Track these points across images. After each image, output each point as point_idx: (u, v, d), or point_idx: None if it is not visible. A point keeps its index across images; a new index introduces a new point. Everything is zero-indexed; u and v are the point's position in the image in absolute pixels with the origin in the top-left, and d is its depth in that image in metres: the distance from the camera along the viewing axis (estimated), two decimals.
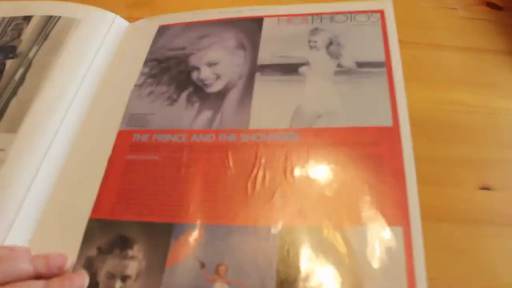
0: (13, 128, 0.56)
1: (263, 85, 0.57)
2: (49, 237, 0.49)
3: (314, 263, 0.44)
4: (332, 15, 0.63)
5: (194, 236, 0.47)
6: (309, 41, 0.61)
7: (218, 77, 0.60)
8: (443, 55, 0.63)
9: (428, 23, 0.67)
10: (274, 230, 0.46)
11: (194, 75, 0.60)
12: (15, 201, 0.50)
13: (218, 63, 0.61)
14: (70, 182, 0.53)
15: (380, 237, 0.44)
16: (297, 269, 0.44)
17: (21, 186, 0.52)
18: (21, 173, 0.52)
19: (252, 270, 0.44)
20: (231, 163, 0.51)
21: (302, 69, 0.58)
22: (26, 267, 0.44)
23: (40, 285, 0.43)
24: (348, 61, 0.58)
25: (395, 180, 0.47)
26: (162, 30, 0.67)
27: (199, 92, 0.59)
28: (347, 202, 0.47)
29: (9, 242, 0.48)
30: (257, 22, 0.64)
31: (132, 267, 0.46)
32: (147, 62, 0.63)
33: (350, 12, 0.63)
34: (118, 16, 0.70)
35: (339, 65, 0.58)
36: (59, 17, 0.67)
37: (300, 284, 0.43)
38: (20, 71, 0.62)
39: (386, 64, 0.56)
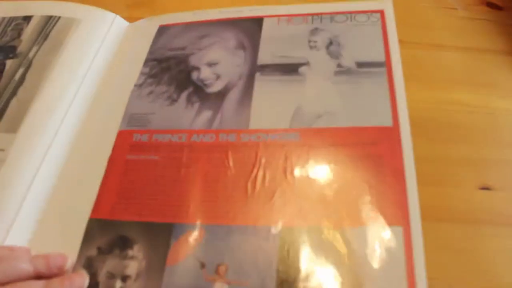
0: (13, 128, 0.56)
1: (263, 85, 0.57)
2: (49, 237, 0.49)
3: (314, 263, 0.44)
4: (332, 15, 0.63)
5: (194, 236, 0.47)
6: (309, 41, 0.61)
7: (218, 77, 0.60)
8: (443, 55, 0.63)
9: (428, 23, 0.67)
10: (274, 230, 0.46)
11: (194, 75, 0.60)
12: (15, 201, 0.50)
13: (218, 63, 0.61)
14: (70, 182, 0.53)
15: (380, 237, 0.44)
16: (297, 269, 0.44)
17: (21, 186, 0.52)
18: (21, 173, 0.52)
19: (252, 270, 0.44)
20: (231, 163, 0.51)
21: (302, 69, 0.58)
22: (26, 267, 0.44)
23: (40, 285, 0.43)
24: (348, 61, 0.58)
25: (395, 180, 0.48)
26: (162, 30, 0.67)
27: (199, 92, 0.59)
28: (347, 202, 0.47)
29: (9, 242, 0.48)
30: (257, 22, 0.64)
31: (132, 267, 0.46)
32: (147, 62, 0.63)
33: (350, 12, 0.63)
34: (118, 16, 0.70)
35: (339, 65, 0.58)
36: (59, 17, 0.67)
37: (300, 284, 0.43)
38: (20, 71, 0.62)
39: (386, 64, 0.56)
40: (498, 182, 0.51)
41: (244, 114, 0.55)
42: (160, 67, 0.62)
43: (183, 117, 0.56)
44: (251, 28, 0.64)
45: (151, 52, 0.64)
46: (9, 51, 0.64)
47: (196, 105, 0.57)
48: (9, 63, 0.63)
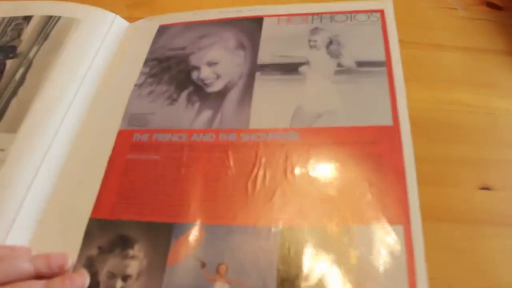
0: (13, 128, 0.56)
1: (263, 84, 0.58)
2: (50, 237, 0.49)
3: (315, 262, 0.44)
4: (332, 15, 0.63)
5: (194, 235, 0.47)
6: (309, 41, 0.61)
7: (218, 76, 0.60)
8: (443, 55, 0.63)
9: (428, 23, 0.67)
10: (274, 230, 0.46)
11: (194, 75, 0.60)
12: (15, 201, 0.50)
13: (218, 62, 0.61)
14: (70, 182, 0.53)
15: (380, 235, 0.44)
16: (297, 269, 0.44)
17: (21, 186, 0.52)
18: (21, 173, 0.52)
19: (252, 269, 0.44)
20: (231, 163, 0.51)
21: (302, 69, 0.58)
22: (26, 266, 0.44)
23: (41, 284, 0.43)
24: (348, 61, 0.58)
25: (396, 179, 0.48)
26: (162, 30, 0.67)
27: (199, 91, 0.59)
28: (347, 201, 0.47)
29: (9, 242, 0.48)
30: (257, 21, 0.65)
31: (133, 267, 0.46)
32: (147, 61, 0.63)
33: (350, 12, 0.63)
34: (118, 16, 0.70)
35: (339, 65, 0.58)
36: (59, 17, 0.67)
37: (301, 283, 0.43)
38: (20, 71, 0.62)
39: (386, 64, 0.56)
40: (498, 182, 0.51)
41: (244, 114, 0.55)
42: (160, 67, 0.62)
43: (183, 116, 0.56)
44: (251, 28, 0.64)
45: (151, 52, 0.64)
46: (9, 51, 0.64)
47: (196, 104, 0.57)
48: (9, 63, 0.63)
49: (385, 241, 0.44)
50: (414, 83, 0.56)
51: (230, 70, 0.60)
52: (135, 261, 0.46)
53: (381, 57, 0.57)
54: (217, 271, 0.44)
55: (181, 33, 0.66)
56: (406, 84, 0.54)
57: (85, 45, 0.65)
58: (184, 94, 0.58)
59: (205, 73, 0.60)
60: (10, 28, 0.67)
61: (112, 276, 0.46)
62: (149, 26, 0.68)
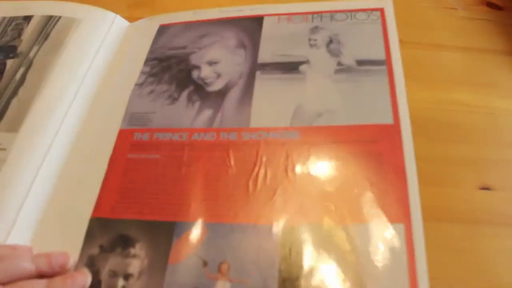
0: (14, 127, 0.56)
1: (263, 83, 0.58)
2: (51, 236, 0.49)
3: (316, 261, 0.44)
4: (332, 14, 0.63)
5: (195, 234, 0.47)
6: (309, 40, 0.61)
7: (218, 75, 0.60)
8: (443, 55, 0.63)
9: (428, 23, 0.67)
10: (275, 228, 0.46)
11: (195, 74, 0.60)
12: (16, 201, 0.50)
13: (219, 62, 0.61)
14: (71, 181, 0.53)
15: (381, 234, 0.45)
16: (299, 267, 0.44)
17: (22, 186, 0.52)
18: (22, 173, 0.52)
19: (254, 268, 0.44)
20: (232, 162, 0.51)
21: (302, 68, 0.58)
22: (28, 266, 0.44)
23: (43, 284, 0.43)
24: (348, 59, 0.58)
25: (396, 177, 0.48)
26: (163, 29, 0.67)
27: (200, 90, 0.59)
28: (348, 199, 0.47)
29: (10, 241, 0.48)
30: (257, 21, 0.65)
31: (135, 266, 0.46)
32: (147, 61, 0.63)
33: (350, 11, 0.63)
34: (118, 15, 0.70)
35: (339, 63, 0.58)
36: (60, 17, 0.67)
37: (302, 282, 0.43)
38: (21, 71, 0.62)
39: (387, 62, 0.57)
40: (498, 182, 0.51)
41: (245, 113, 0.55)
42: (161, 66, 0.62)
43: (184, 116, 0.57)
44: (251, 27, 0.64)
45: (151, 51, 0.64)
46: (10, 51, 0.64)
47: (197, 104, 0.57)
48: (9, 63, 0.63)
49: (386, 239, 0.44)
50: (414, 83, 0.56)
51: (230, 69, 0.60)
52: (137, 260, 0.46)
53: (381, 55, 0.57)
54: (219, 269, 0.45)
55: (181, 32, 0.66)
56: (406, 84, 0.54)
57: (86, 45, 0.65)
58: (184, 93, 0.59)
59: (206, 72, 0.60)
60: (10, 28, 0.68)
61: (114, 275, 0.46)
62: (149, 26, 0.68)
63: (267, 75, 0.58)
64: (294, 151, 0.51)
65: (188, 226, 0.48)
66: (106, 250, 0.47)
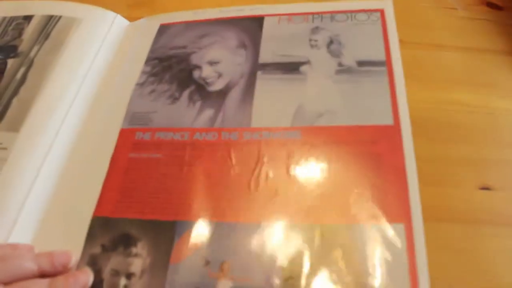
0: (15, 127, 0.56)
1: (264, 83, 0.58)
2: (52, 236, 0.49)
3: (317, 260, 0.44)
4: (333, 14, 0.64)
5: (197, 233, 0.47)
6: (310, 40, 0.61)
7: (219, 75, 0.60)
8: (443, 55, 0.63)
9: (428, 23, 0.67)
10: (277, 228, 0.46)
11: (196, 74, 0.60)
12: (17, 200, 0.51)
13: (220, 61, 0.61)
14: (72, 180, 0.53)
15: (382, 234, 0.45)
16: (300, 266, 0.44)
17: (23, 185, 0.52)
18: (23, 172, 0.53)
19: (256, 267, 0.44)
20: (233, 161, 0.52)
21: (303, 68, 0.58)
22: (30, 265, 0.44)
23: (45, 283, 0.43)
24: (348, 60, 0.58)
25: (397, 178, 0.48)
26: (163, 29, 0.67)
27: (201, 90, 0.59)
28: (349, 199, 0.47)
29: (12, 241, 0.48)
30: (258, 21, 0.65)
31: (137, 265, 0.46)
32: (148, 60, 0.63)
33: (351, 11, 0.63)
34: (119, 15, 0.70)
35: (339, 64, 0.58)
36: (60, 17, 0.68)
37: (304, 281, 0.43)
38: (22, 70, 0.62)
39: (387, 63, 0.57)
40: (498, 182, 0.51)
41: (246, 113, 0.55)
42: (162, 66, 0.62)
43: (185, 115, 0.57)
44: (252, 27, 0.64)
45: (152, 51, 0.65)
46: (10, 50, 0.64)
47: (198, 103, 0.57)
48: (10, 62, 0.63)
49: (387, 239, 0.44)
50: (414, 83, 0.56)
51: (231, 69, 0.60)
52: (139, 259, 0.46)
53: (381, 56, 0.58)
54: (221, 268, 0.45)
55: (182, 32, 0.66)
56: (406, 84, 0.55)
57: (86, 44, 0.65)
58: (185, 93, 0.59)
59: (207, 72, 0.60)
60: (11, 27, 0.68)
61: (116, 274, 0.46)
62: (149, 25, 0.68)
63: (268, 75, 0.58)
64: (295, 151, 0.52)
65: (189, 225, 0.48)
66: (108, 249, 0.48)
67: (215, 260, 0.45)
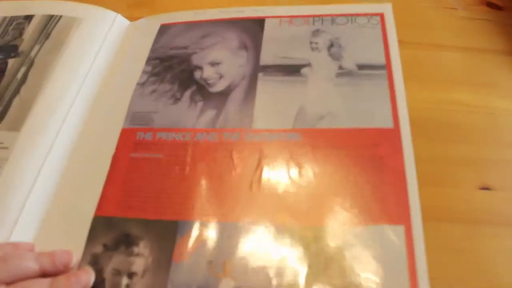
0: (16, 126, 0.56)
1: (266, 85, 0.58)
2: (54, 235, 0.50)
3: (318, 261, 0.44)
4: (333, 17, 0.64)
5: (199, 233, 0.47)
6: (311, 43, 0.61)
7: (221, 76, 0.60)
8: (443, 55, 0.63)
9: (428, 23, 0.67)
10: (278, 229, 0.47)
11: (197, 74, 0.61)
12: (19, 200, 0.51)
13: (221, 63, 0.61)
14: (74, 180, 0.53)
15: (382, 236, 0.45)
16: (301, 267, 0.44)
17: (24, 185, 0.52)
18: (24, 171, 0.53)
19: (257, 267, 0.45)
20: (235, 162, 0.52)
21: (304, 70, 0.59)
22: (32, 265, 0.44)
23: (47, 283, 0.43)
24: (349, 63, 0.58)
25: (396, 180, 0.48)
26: (164, 29, 0.67)
27: (202, 91, 0.59)
28: (349, 201, 0.48)
29: (13, 240, 0.48)
30: (259, 22, 0.65)
31: (139, 264, 0.46)
32: (149, 60, 0.63)
33: (351, 15, 0.64)
34: (119, 15, 0.70)
35: (340, 67, 0.58)
36: (60, 16, 0.68)
37: (305, 281, 0.43)
38: (22, 70, 0.62)
39: (386, 67, 0.57)
40: (498, 182, 0.51)
41: (248, 114, 0.55)
42: (163, 66, 0.62)
43: (187, 116, 0.57)
44: (252, 29, 0.64)
45: (153, 50, 0.65)
46: (11, 50, 0.65)
47: (200, 104, 0.58)
48: (11, 62, 0.63)
49: (386, 241, 0.45)
50: (414, 83, 0.56)
51: (233, 70, 0.60)
52: (141, 259, 0.46)
53: (381, 60, 0.58)
54: (223, 268, 0.45)
55: (182, 32, 0.66)
56: (407, 84, 0.55)
57: (87, 44, 0.65)
58: (187, 94, 0.59)
59: (208, 73, 0.60)
60: (11, 27, 0.68)
61: (118, 273, 0.46)
62: (150, 25, 0.68)
63: (269, 77, 0.59)
64: (296, 153, 0.52)
65: (191, 225, 0.48)
66: (110, 248, 0.48)
67: (217, 259, 0.46)
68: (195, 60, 0.62)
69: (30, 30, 0.67)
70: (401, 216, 0.46)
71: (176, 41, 0.65)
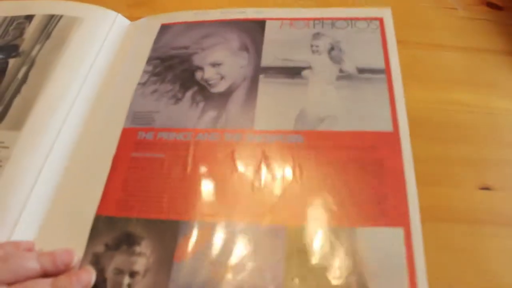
0: (17, 126, 0.56)
1: (267, 87, 0.58)
2: (55, 234, 0.49)
3: (319, 261, 0.45)
4: (333, 21, 0.64)
5: (200, 233, 0.47)
6: (312, 46, 0.62)
7: (222, 77, 0.60)
8: (443, 55, 0.63)
9: (428, 23, 0.67)
10: (279, 229, 0.47)
11: (198, 75, 0.61)
12: (19, 199, 0.51)
13: (222, 63, 0.61)
14: (75, 179, 0.53)
15: (381, 238, 0.45)
16: (303, 267, 0.44)
17: (25, 184, 0.52)
18: (25, 171, 0.53)
19: (258, 267, 0.45)
20: (236, 163, 0.52)
21: (305, 73, 0.59)
22: (33, 265, 0.44)
23: (48, 282, 0.43)
24: (349, 67, 0.59)
25: (395, 183, 0.49)
26: (164, 29, 0.67)
27: (204, 91, 0.59)
28: (349, 204, 0.48)
29: (14, 239, 0.48)
30: (260, 24, 0.65)
31: (140, 263, 0.46)
32: (150, 60, 0.63)
33: (351, 19, 0.64)
34: (119, 14, 0.70)
35: (340, 70, 0.59)
36: (61, 16, 0.68)
37: (306, 281, 0.43)
38: (23, 69, 0.62)
39: (386, 71, 0.57)
40: (498, 182, 0.51)
41: (249, 115, 0.56)
42: (164, 66, 0.62)
43: (188, 116, 0.57)
44: (253, 30, 0.64)
45: (153, 50, 0.65)
46: (12, 50, 0.65)
47: (201, 104, 0.58)
48: (11, 62, 0.63)
49: (386, 243, 0.45)
50: (414, 83, 0.56)
51: (234, 71, 0.60)
52: (142, 258, 0.47)
53: (381, 64, 0.58)
54: (224, 268, 0.45)
55: (183, 32, 0.66)
56: (406, 84, 0.55)
57: (87, 43, 0.65)
58: (188, 94, 0.59)
59: (209, 73, 0.60)
60: (12, 27, 0.68)
61: (119, 272, 0.46)
62: (150, 25, 0.68)
63: (270, 79, 0.59)
64: (297, 155, 0.52)
65: (192, 225, 0.48)
66: (111, 248, 0.48)
67: (218, 259, 0.46)
68: (196, 60, 0.62)
69: (31, 30, 0.67)
70: (400, 218, 0.46)
71: (177, 41, 0.65)
